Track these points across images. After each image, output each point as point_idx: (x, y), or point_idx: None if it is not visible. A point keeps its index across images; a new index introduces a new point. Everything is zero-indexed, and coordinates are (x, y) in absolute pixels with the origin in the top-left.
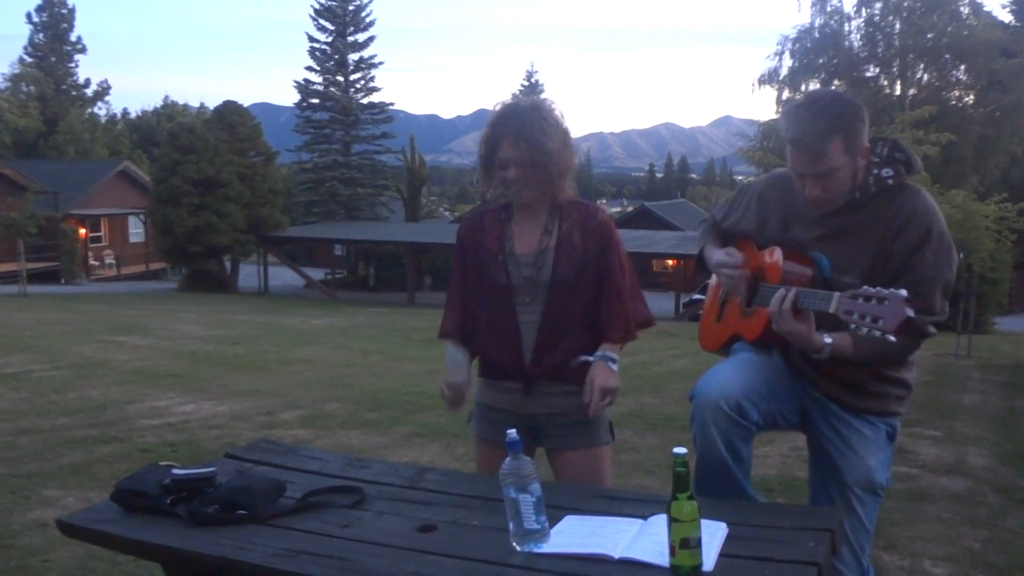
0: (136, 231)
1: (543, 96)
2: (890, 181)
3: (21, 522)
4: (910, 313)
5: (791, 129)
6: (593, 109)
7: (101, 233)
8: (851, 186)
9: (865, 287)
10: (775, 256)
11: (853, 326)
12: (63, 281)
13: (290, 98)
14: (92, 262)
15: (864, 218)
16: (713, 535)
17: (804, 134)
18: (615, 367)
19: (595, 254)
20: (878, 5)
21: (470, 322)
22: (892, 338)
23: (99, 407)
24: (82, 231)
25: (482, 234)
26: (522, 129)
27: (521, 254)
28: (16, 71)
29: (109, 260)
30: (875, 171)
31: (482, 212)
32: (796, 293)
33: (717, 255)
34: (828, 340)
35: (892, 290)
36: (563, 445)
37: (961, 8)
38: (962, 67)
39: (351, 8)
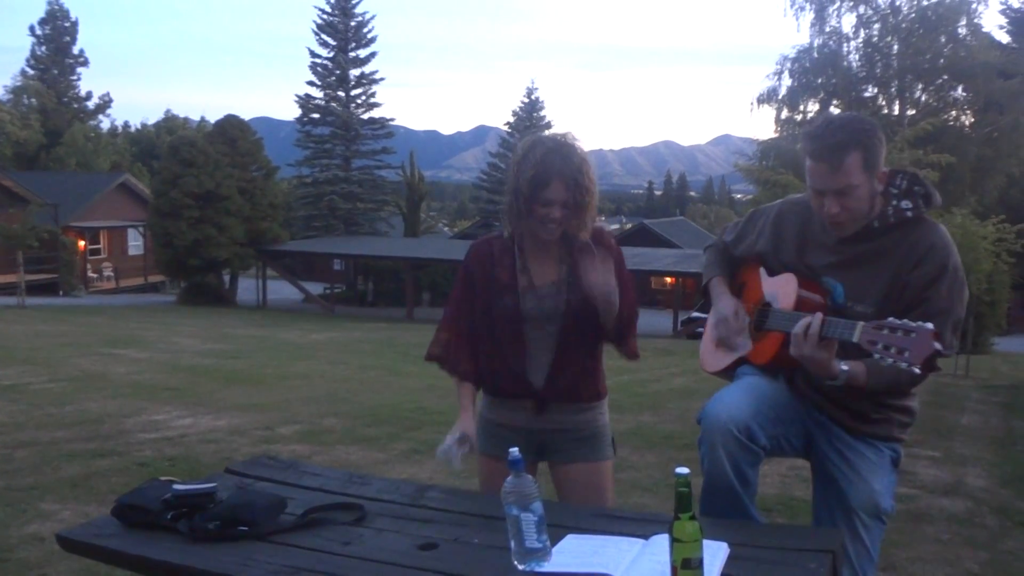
0: (135, 244)
1: (565, 131)
2: (909, 213)
3: (18, 536)
4: (938, 347)
5: (811, 143)
6: (593, 126)
7: (100, 245)
8: (868, 209)
9: (891, 319)
10: (790, 283)
11: (877, 356)
12: (61, 293)
13: (291, 112)
14: (91, 274)
15: (881, 248)
16: (715, 556)
17: (824, 146)
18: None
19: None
20: (876, 26)
21: (475, 347)
22: (918, 370)
23: (97, 420)
24: (81, 243)
25: (492, 264)
26: (574, 172)
27: (536, 287)
28: (18, 83)
29: (108, 273)
30: (894, 202)
31: (490, 239)
32: (821, 319)
33: (724, 307)
34: (845, 368)
35: (919, 323)
36: (568, 459)
37: (959, 29)
38: (960, 88)
39: (353, 24)
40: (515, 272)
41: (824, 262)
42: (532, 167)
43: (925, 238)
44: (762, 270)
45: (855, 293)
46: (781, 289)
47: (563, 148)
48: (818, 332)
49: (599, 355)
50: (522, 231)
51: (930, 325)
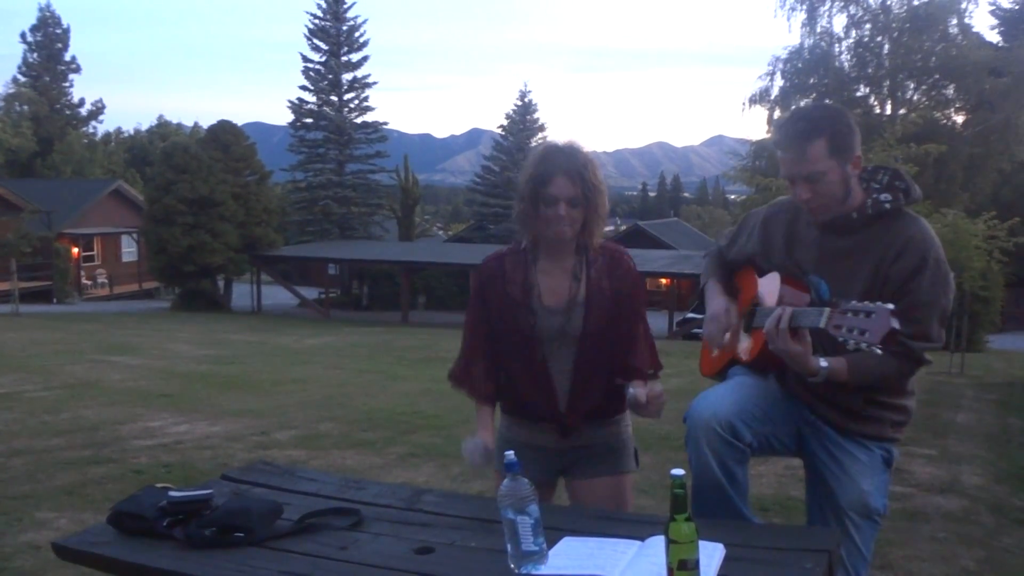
0: (129, 250)
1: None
2: (887, 205)
3: (13, 544)
4: (895, 325)
5: (778, 133)
6: (586, 128)
7: (94, 252)
8: (842, 194)
9: (853, 302)
10: (773, 281)
11: (841, 339)
12: (55, 300)
13: (284, 117)
14: (85, 281)
15: (861, 242)
16: (711, 557)
17: (787, 136)
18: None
19: (624, 301)
20: (867, 26)
21: (491, 367)
22: (878, 350)
23: (92, 428)
24: (75, 250)
25: (504, 280)
26: (578, 167)
27: (550, 305)
28: (10, 90)
29: (102, 279)
30: (874, 196)
31: (502, 255)
32: (791, 312)
33: (714, 306)
34: (824, 364)
35: (878, 303)
36: (588, 474)
37: (950, 29)
38: (951, 87)
39: (345, 28)
40: (528, 290)
41: (809, 259)
42: (534, 165)
43: (904, 231)
44: (754, 271)
45: (838, 289)
46: (767, 288)
47: (566, 147)
48: (787, 324)
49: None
50: (536, 241)
51: (890, 305)
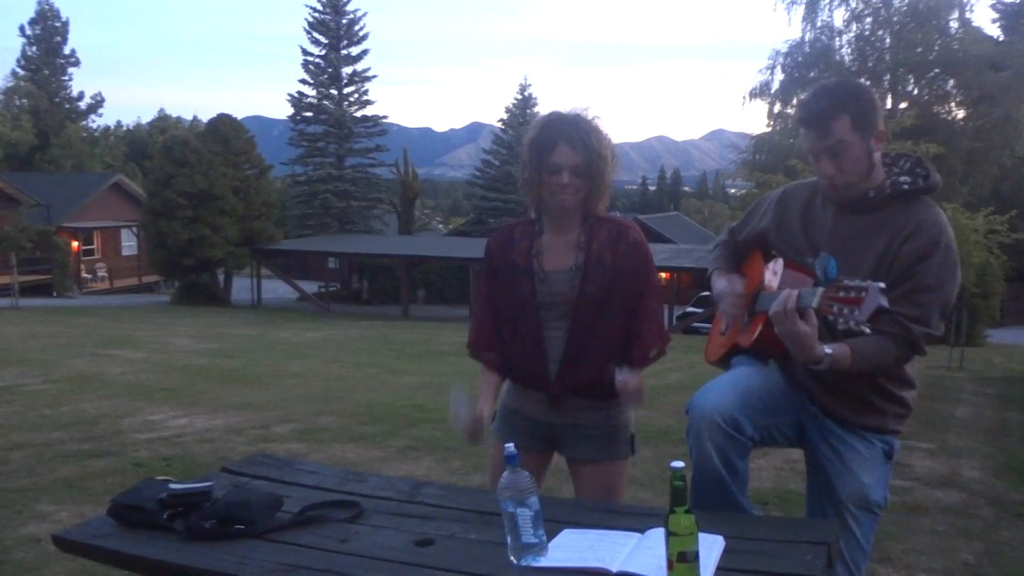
0: (129, 244)
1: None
2: (905, 187)
3: (14, 537)
4: (883, 303)
5: (800, 110)
6: None
7: (94, 246)
8: (867, 170)
9: (845, 280)
10: (776, 265)
11: (831, 318)
12: (55, 294)
13: (284, 111)
14: (85, 275)
15: (875, 221)
16: (710, 549)
17: (810, 112)
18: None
19: (627, 274)
20: (868, 20)
21: (497, 334)
22: (867, 329)
23: (92, 421)
24: (75, 244)
25: (511, 248)
26: (581, 134)
27: (551, 272)
28: (9, 84)
29: (102, 273)
30: (893, 178)
31: (512, 224)
32: (797, 293)
33: (720, 284)
34: (828, 351)
35: (869, 282)
36: (584, 456)
37: (951, 23)
38: (952, 81)
39: (345, 22)
40: (531, 257)
41: (823, 237)
42: (537, 131)
43: (918, 214)
44: (760, 258)
45: (848, 267)
46: (770, 272)
47: (571, 115)
48: (795, 305)
49: (620, 351)
50: (542, 210)
51: (880, 284)
